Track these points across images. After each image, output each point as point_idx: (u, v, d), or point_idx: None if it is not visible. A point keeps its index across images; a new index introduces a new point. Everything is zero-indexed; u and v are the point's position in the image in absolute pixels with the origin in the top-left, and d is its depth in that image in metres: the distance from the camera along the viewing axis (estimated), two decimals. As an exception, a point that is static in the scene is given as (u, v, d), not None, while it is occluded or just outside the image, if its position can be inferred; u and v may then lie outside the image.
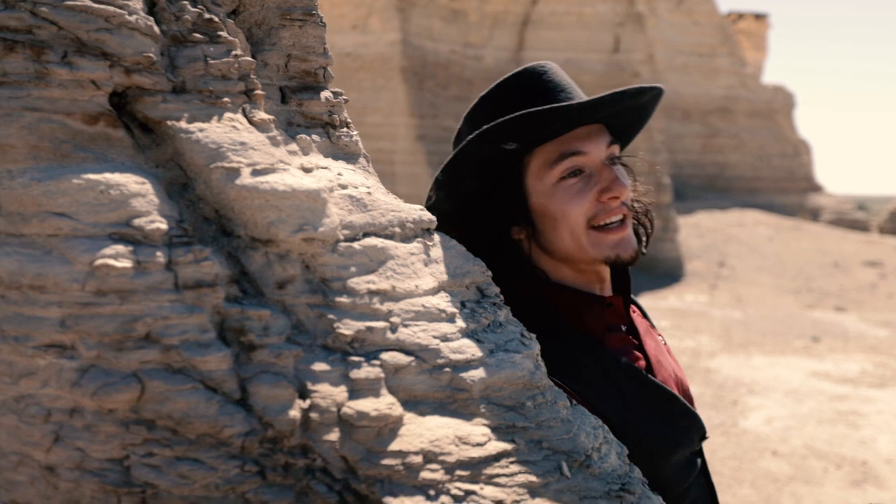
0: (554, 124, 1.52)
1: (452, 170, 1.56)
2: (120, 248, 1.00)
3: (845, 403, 10.24)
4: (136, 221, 1.03)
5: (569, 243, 1.55)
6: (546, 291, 1.58)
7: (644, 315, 1.78)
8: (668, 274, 21.46)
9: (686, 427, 1.58)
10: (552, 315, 1.55)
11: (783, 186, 36.31)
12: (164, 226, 1.04)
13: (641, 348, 1.62)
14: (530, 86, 1.58)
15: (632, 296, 1.73)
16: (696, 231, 26.41)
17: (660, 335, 1.77)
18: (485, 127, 1.51)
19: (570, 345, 1.50)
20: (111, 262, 0.99)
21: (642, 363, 1.59)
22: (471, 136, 1.53)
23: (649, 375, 1.56)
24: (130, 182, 1.06)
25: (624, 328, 1.63)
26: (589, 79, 25.01)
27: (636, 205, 1.66)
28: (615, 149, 1.59)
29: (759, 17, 42.66)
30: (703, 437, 1.63)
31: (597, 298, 1.59)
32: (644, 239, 1.68)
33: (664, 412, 1.53)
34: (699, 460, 1.65)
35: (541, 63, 1.62)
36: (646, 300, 16.87)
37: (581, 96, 1.59)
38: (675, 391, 1.61)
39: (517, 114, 1.49)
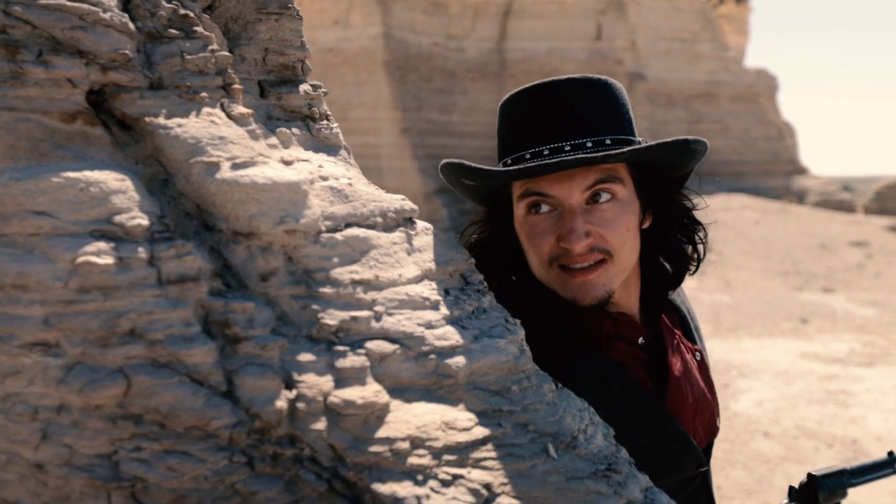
0: (483, 181, 1.53)
1: (443, 175, 1.61)
2: (102, 245, 1.01)
3: (835, 383, 10.31)
4: (117, 218, 1.03)
5: (539, 272, 1.53)
6: (548, 295, 1.54)
7: (681, 320, 1.72)
8: (657, 260, 21.49)
9: (676, 452, 1.53)
10: (555, 318, 1.53)
11: (768, 169, 36.46)
12: (145, 222, 1.04)
13: (657, 365, 1.57)
14: (525, 110, 1.52)
15: (684, 309, 1.70)
16: (683, 216, 26.43)
17: (697, 350, 1.70)
18: (444, 163, 1.56)
19: (564, 350, 1.47)
20: (93, 259, 0.99)
21: (647, 381, 1.54)
22: (442, 165, 1.57)
23: (644, 393, 1.51)
24: (110, 179, 1.06)
25: (642, 340, 1.58)
26: (572, 67, 25.01)
27: (683, 222, 1.59)
28: (607, 187, 1.47)
29: (740, 1, 42.74)
30: (700, 465, 1.59)
31: (598, 310, 1.53)
32: (693, 264, 1.63)
33: (654, 433, 1.49)
34: (693, 487, 1.60)
35: (554, 80, 1.51)
36: (635, 287, 16.90)
37: (584, 126, 1.48)
38: (688, 415, 1.56)
39: (462, 163, 1.52)
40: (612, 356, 1.53)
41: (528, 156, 1.48)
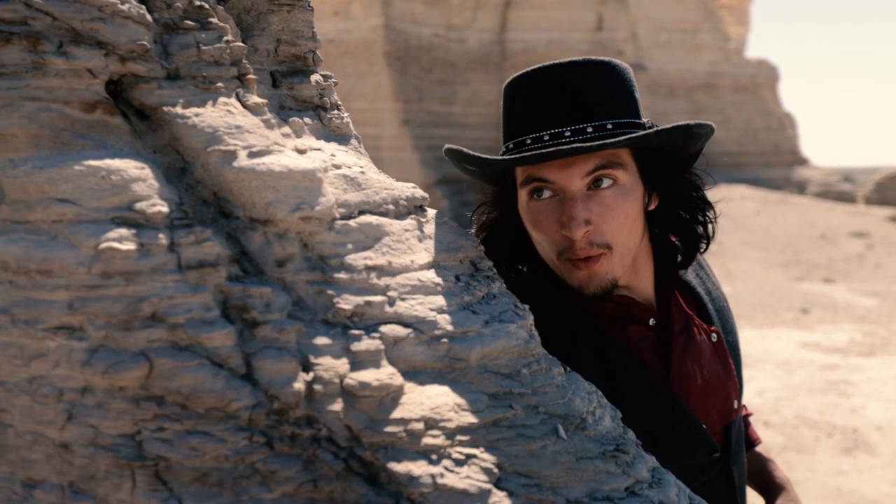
0: (483, 168, 1.55)
1: (449, 159, 1.62)
2: (123, 231, 1.03)
3: (835, 373, 10.36)
4: (138, 205, 1.06)
5: (548, 258, 1.53)
6: (551, 280, 1.56)
7: (695, 299, 1.70)
8: (657, 251, 21.50)
9: (684, 435, 1.52)
10: (561, 299, 1.54)
11: (769, 160, 36.44)
12: (165, 209, 1.07)
13: (666, 347, 1.57)
14: (527, 95, 1.51)
15: (699, 286, 1.69)
16: (684, 207, 26.46)
17: (714, 331, 1.67)
18: (451, 149, 1.56)
19: (569, 334, 1.48)
20: (115, 245, 1.02)
21: (656, 363, 1.54)
22: (446, 150, 1.58)
23: (650, 375, 1.51)
24: (130, 167, 1.08)
25: (653, 322, 1.59)
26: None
27: (694, 202, 1.59)
28: (609, 172, 1.47)
29: (741, -8, 42.62)
30: (712, 451, 1.57)
31: (580, 294, 1.52)
32: (701, 243, 1.63)
33: (660, 415, 1.49)
34: (712, 475, 1.58)
35: (556, 64, 1.50)
36: (636, 277, 16.95)
37: (585, 111, 1.47)
38: (697, 398, 1.55)
39: (462, 150, 1.53)
40: (619, 339, 1.54)
41: (528, 141, 1.47)
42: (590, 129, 1.45)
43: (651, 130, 1.48)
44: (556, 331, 1.44)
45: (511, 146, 1.52)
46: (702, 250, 1.65)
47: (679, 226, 1.63)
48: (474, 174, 1.63)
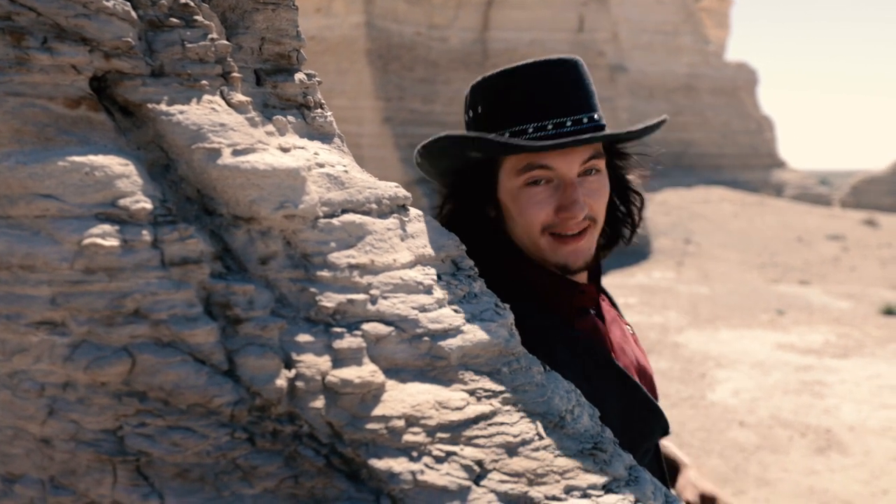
0: (511, 152, 1.55)
1: (428, 149, 1.62)
2: (107, 227, 1.04)
3: (810, 374, 10.47)
4: (122, 202, 1.06)
5: (525, 241, 1.60)
6: (521, 268, 1.61)
7: (612, 304, 1.82)
8: (636, 251, 21.66)
9: (646, 418, 1.60)
10: (526, 291, 1.58)
11: (747, 163, 36.74)
12: (148, 205, 1.07)
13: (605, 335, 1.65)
14: (526, 86, 1.57)
15: (602, 285, 1.78)
16: (663, 209, 26.68)
17: (627, 324, 1.80)
18: (449, 134, 1.58)
19: (541, 325, 1.52)
20: (99, 241, 1.02)
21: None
22: (440, 136, 1.59)
23: (614, 363, 1.58)
24: (114, 164, 1.09)
25: (592, 312, 1.66)
26: (554, 59, 25.01)
27: (631, 196, 1.72)
28: (596, 162, 1.59)
29: (721, -5, 42.90)
30: (665, 431, 1.65)
31: (570, 283, 1.62)
32: (630, 232, 1.75)
33: (627, 401, 1.56)
34: (651, 455, 1.67)
35: (551, 59, 1.60)
36: (614, 278, 17.07)
37: (581, 103, 1.58)
38: (637, 380, 1.65)
39: (478, 136, 1.54)
40: (581, 327, 1.61)
41: (530, 129, 1.55)
42: (585, 120, 1.57)
43: (650, 123, 1.63)
44: (530, 327, 1.46)
45: (507, 134, 1.57)
46: (626, 237, 1.77)
47: (611, 212, 1.72)
48: (447, 164, 1.64)
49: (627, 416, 1.52)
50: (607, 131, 1.58)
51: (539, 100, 1.56)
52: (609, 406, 1.42)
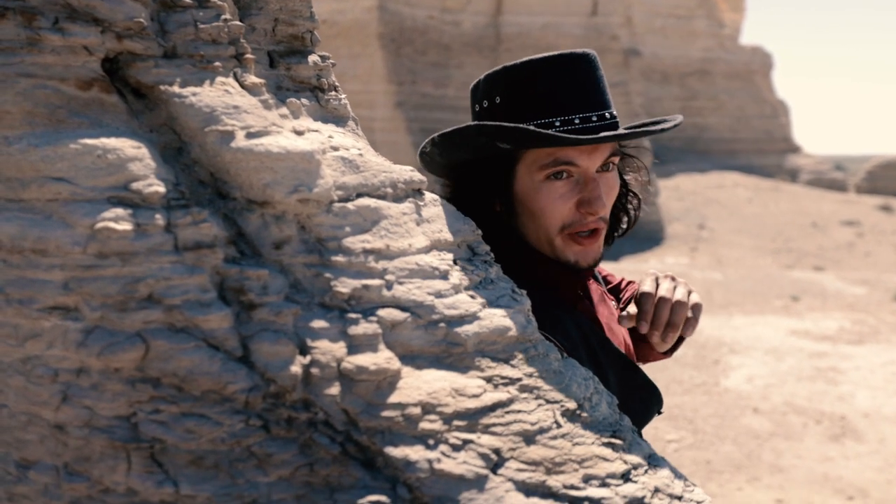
0: (548, 145, 1.53)
1: (449, 138, 1.59)
2: (119, 211, 1.02)
3: (824, 360, 10.41)
4: (135, 185, 1.05)
5: (537, 238, 1.59)
6: (524, 256, 1.60)
7: (597, 281, 1.82)
8: (649, 237, 21.59)
9: (645, 398, 1.61)
10: (531, 279, 1.56)
11: (762, 148, 36.48)
12: (161, 189, 1.06)
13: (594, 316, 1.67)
14: (552, 79, 1.56)
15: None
16: (676, 194, 26.55)
17: (612, 300, 1.82)
18: (484, 124, 1.55)
19: (551, 307, 1.52)
20: (112, 224, 1.01)
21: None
22: (469, 125, 1.57)
23: (614, 345, 1.59)
24: (127, 146, 1.07)
25: (581, 293, 1.68)
26: (567, 42, 24.90)
27: (629, 197, 1.72)
28: (614, 158, 1.60)
29: (737, -22, 42.45)
30: (660, 410, 1.66)
31: (571, 268, 1.61)
32: (624, 228, 1.76)
33: (629, 382, 1.57)
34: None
35: (574, 53, 1.59)
36: (627, 263, 17.00)
37: (603, 98, 1.59)
38: (634, 362, 1.66)
39: (518, 126, 1.50)
40: (581, 311, 1.64)
41: (557, 123, 1.54)
42: (607, 115, 1.58)
43: (669, 125, 1.64)
44: (541, 308, 1.45)
45: (532, 126, 1.54)
46: (619, 233, 1.77)
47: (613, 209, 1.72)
48: (453, 156, 1.62)
49: (627, 398, 1.51)
50: (631, 128, 1.58)
51: (565, 93, 1.55)
52: (611, 388, 1.43)
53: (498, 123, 1.54)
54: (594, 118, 1.56)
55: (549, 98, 1.56)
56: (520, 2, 26.25)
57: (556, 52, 1.60)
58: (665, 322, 1.59)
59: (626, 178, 1.73)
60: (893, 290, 15.20)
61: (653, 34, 34.38)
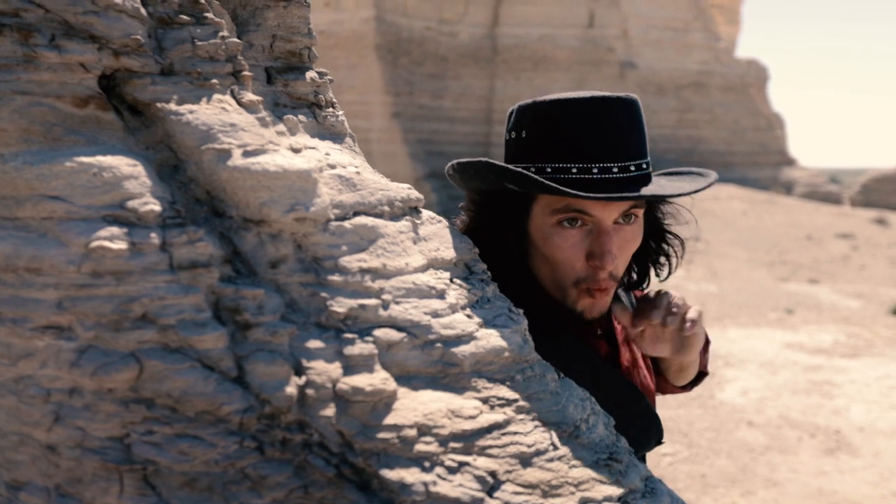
0: (551, 193, 1.47)
1: (464, 168, 1.56)
2: (115, 229, 1.02)
3: (819, 374, 10.41)
4: (130, 203, 1.04)
5: (551, 282, 1.55)
6: (535, 297, 1.55)
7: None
8: (644, 249, 21.54)
9: (646, 427, 1.60)
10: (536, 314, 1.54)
11: (757, 160, 36.61)
12: (157, 207, 1.05)
13: (611, 356, 1.66)
14: (576, 123, 1.48)
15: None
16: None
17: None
18: (492, 163, 1.50)
19: (549, 334, 1.48)
20: (107, 243, 1.00)
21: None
22: (481, 161, 1.52)
23: (617, 373, 1.59)
24: (122, 164, 1.06)
25: (600, 332, 1.66)
26: (564, 54, 24.99)
27: (669, 238, 1.67)
28: (635, 210, 1.52)
29: (732, -9, 42.65)
30: (659, 440, 1.65)
31: (578, 317, 1.56)
32: (667, 273, 1.70)
33: (630, 409, 1.55)
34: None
35: (608, 97, 1.50)
36: (622, 275, 16.97)
37: (630, 148, 1.49)
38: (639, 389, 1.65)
39: (522, 172, 1.46)
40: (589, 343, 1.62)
41: (574, 170, 1.46)
42: (632, 168, 1.49)
43: (708, 184, 1.59)
44: (536, 329, 1.43)
45: (549, 170, 1.49)
46: (662, 277, 1.70)
47: (643, 251, 1.66)
48: (476, 186, 1.60)
49: (628, 424, 1.47)
50: (652, 189, 1.49)
51: (587, 140, 1.46)
52: (616, 415, 1.37)
53: (505, 165, 1.50)
54: (615, 169, 1.46)
55: (570, 143, 1.47)
56: (516, 13, 26.33)
57: (589, 94, 1.50)
58: (660, 312, 1.53)
59: (662, 217, 1.65)
60: (888, 303, 15.22)
61: (649, 47, 34.51)
